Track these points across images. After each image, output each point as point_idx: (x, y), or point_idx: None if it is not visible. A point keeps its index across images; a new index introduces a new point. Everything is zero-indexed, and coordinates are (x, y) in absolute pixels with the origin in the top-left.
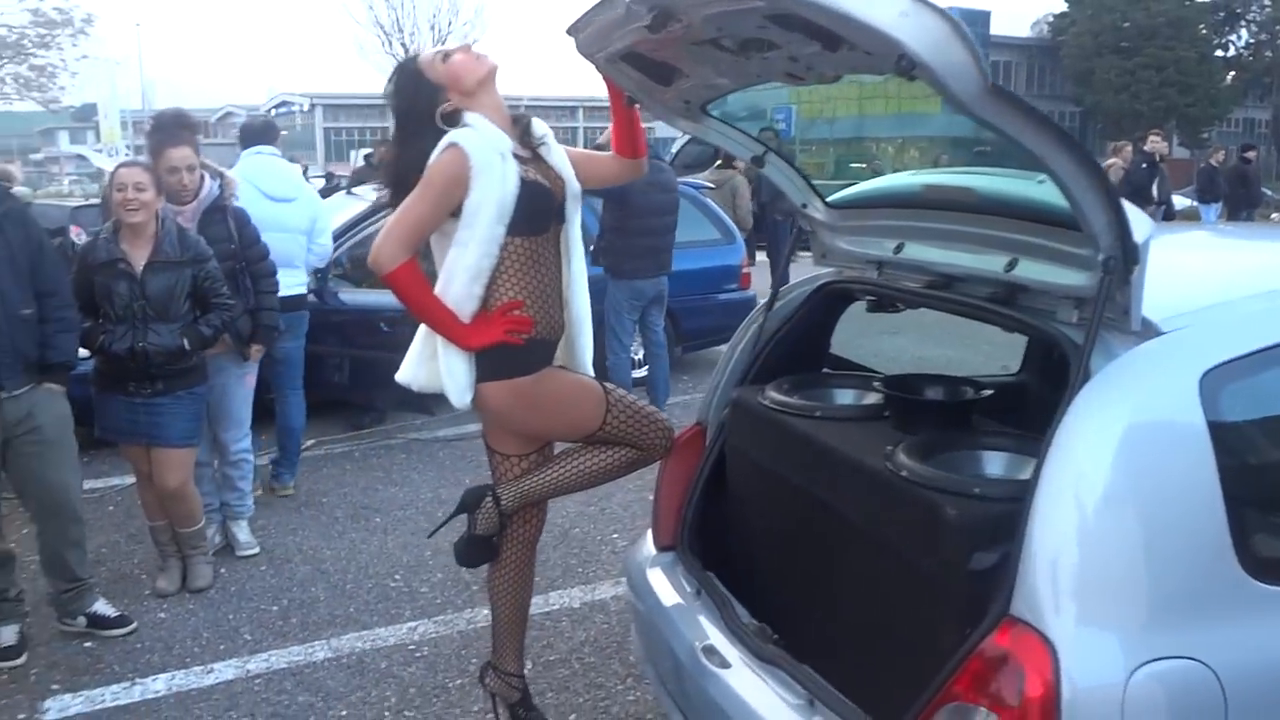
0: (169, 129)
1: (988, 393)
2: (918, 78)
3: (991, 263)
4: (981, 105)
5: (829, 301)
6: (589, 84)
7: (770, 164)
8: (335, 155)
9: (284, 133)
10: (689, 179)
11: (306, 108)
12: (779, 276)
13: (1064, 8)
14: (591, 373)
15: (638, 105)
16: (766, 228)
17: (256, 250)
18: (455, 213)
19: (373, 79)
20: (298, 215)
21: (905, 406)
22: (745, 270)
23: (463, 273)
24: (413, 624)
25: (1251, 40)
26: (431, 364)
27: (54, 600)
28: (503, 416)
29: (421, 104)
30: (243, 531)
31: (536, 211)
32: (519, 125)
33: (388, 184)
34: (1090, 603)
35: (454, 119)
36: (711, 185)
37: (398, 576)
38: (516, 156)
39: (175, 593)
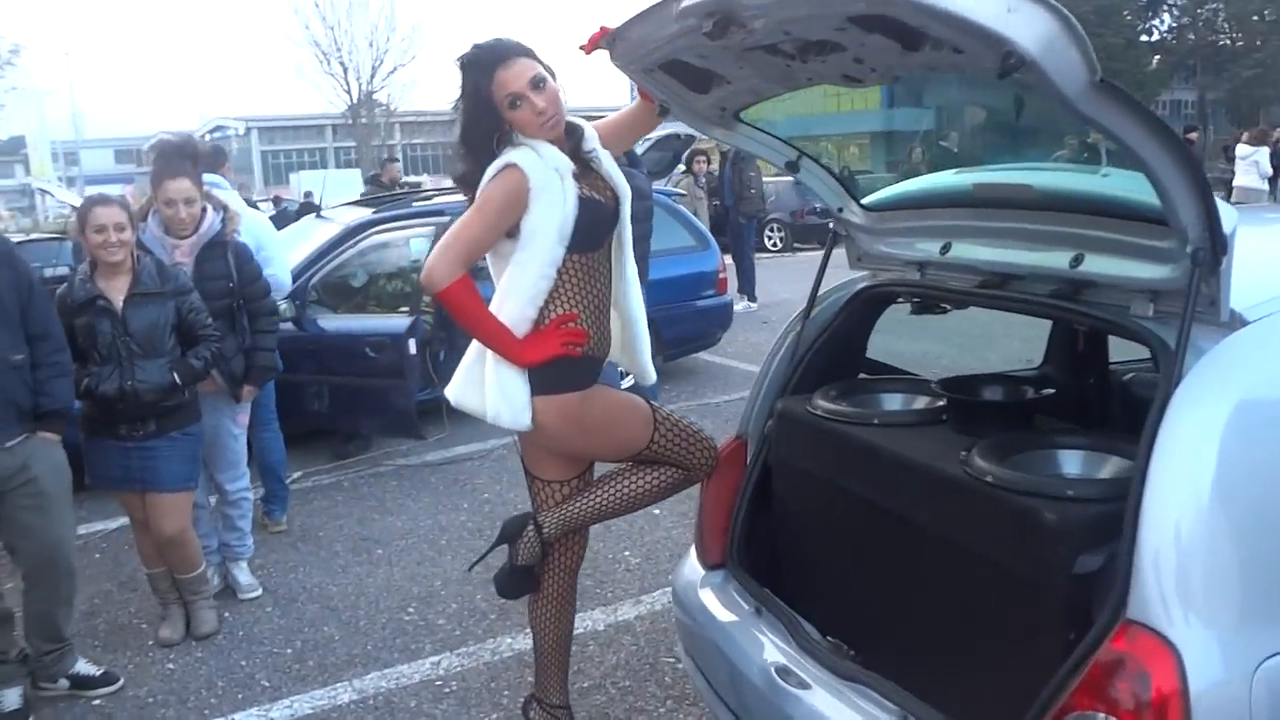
0: (170, 158)
1: (1049, 391)
2: (1021, 76)
3: (1054, 259)
4: (1087, 101)
5: (868, 306)
6: None
7: (805, 169)
8: (274, 179)
9: None
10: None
11: (242, 131)
12: (817, 281)
13: None
14: (654, 375)
15: (669, 112)
16: (730, 230)
17: (256, 288)
18: (511, 232)
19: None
20: None
21: (968, 409)
22: (721, 275)
23: (520, 293)
24: (435, 658)
25: (1174, 24)
26: (481, 389)
27: (34, 663)
28: (551, 437)
29: (486, 126)
30: (243, 574)
31: (594, 227)
32: (572, 138)
33: (468, 195)
34: (1208, 601)
35: (509, 136)
36: (683, 193)
37: (411, 610)
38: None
39: (180, 641)
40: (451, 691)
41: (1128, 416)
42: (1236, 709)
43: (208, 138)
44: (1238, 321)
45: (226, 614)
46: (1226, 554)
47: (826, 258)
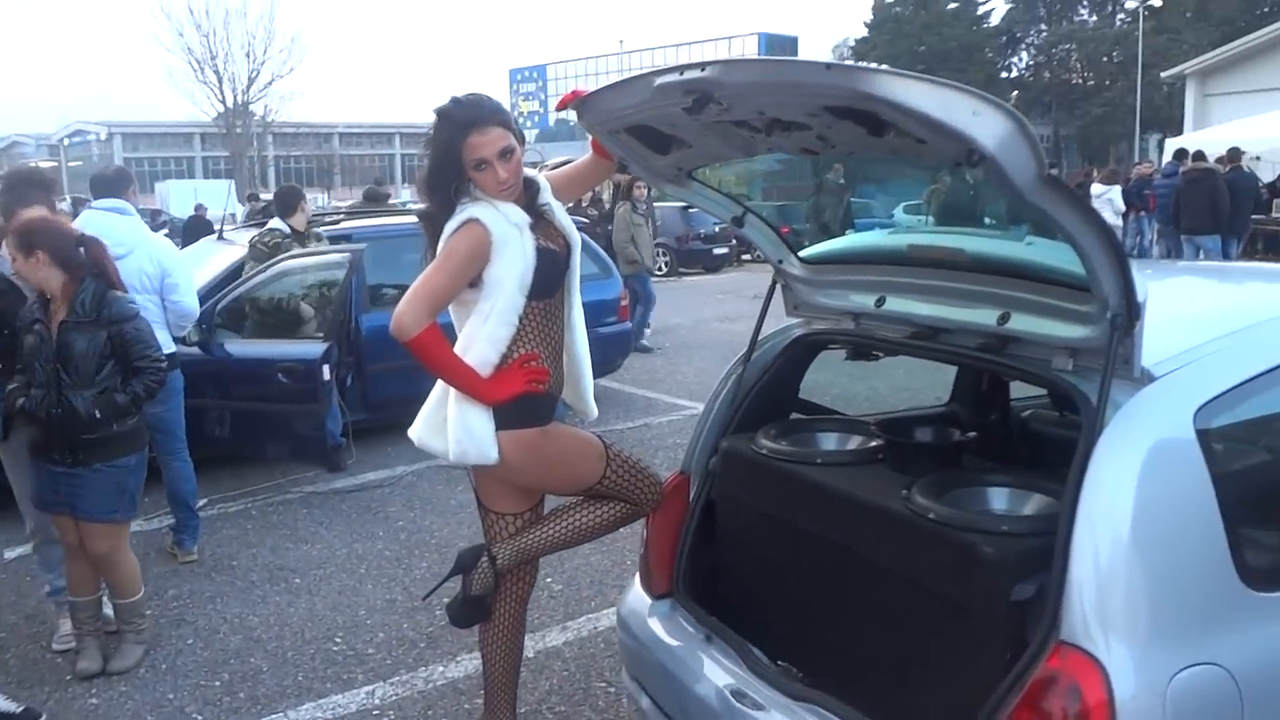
0: (18, 187)
1: (973, 435)
2: (979, 170)
3: (982, 316)
4: (1035, 191)
5: (803, 351)
6: (406, 111)
7: (749, 224)
8: (137, 188)
9: (76, 164)
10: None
11: (104, 137)
12: (757, 326)
13: (865, 33)
14: (595, 411)
15: (626, 170)
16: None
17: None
18: (473, 282)
19: (183, 107)
20: (130, 273)
21: (904, 450)
22: (623, 303)
23: (483, 339)
24: (369, 688)
25: (1031, 62)
26: (444, 432)
27: None
28: (512, 469)
29: (449, 176)
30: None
31: (550, 275)
32: (528, 192)
33: (428, 236)
34: (1130, 622)
35: (468, 188)
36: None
37: (338, 639)
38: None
39: (99, 673)
40: None
41: (1027, 448)
42: (1154, 715)
43: (66, 142)
44: (1147, 377)
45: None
46: (1143, 581)
47: (766, 306)
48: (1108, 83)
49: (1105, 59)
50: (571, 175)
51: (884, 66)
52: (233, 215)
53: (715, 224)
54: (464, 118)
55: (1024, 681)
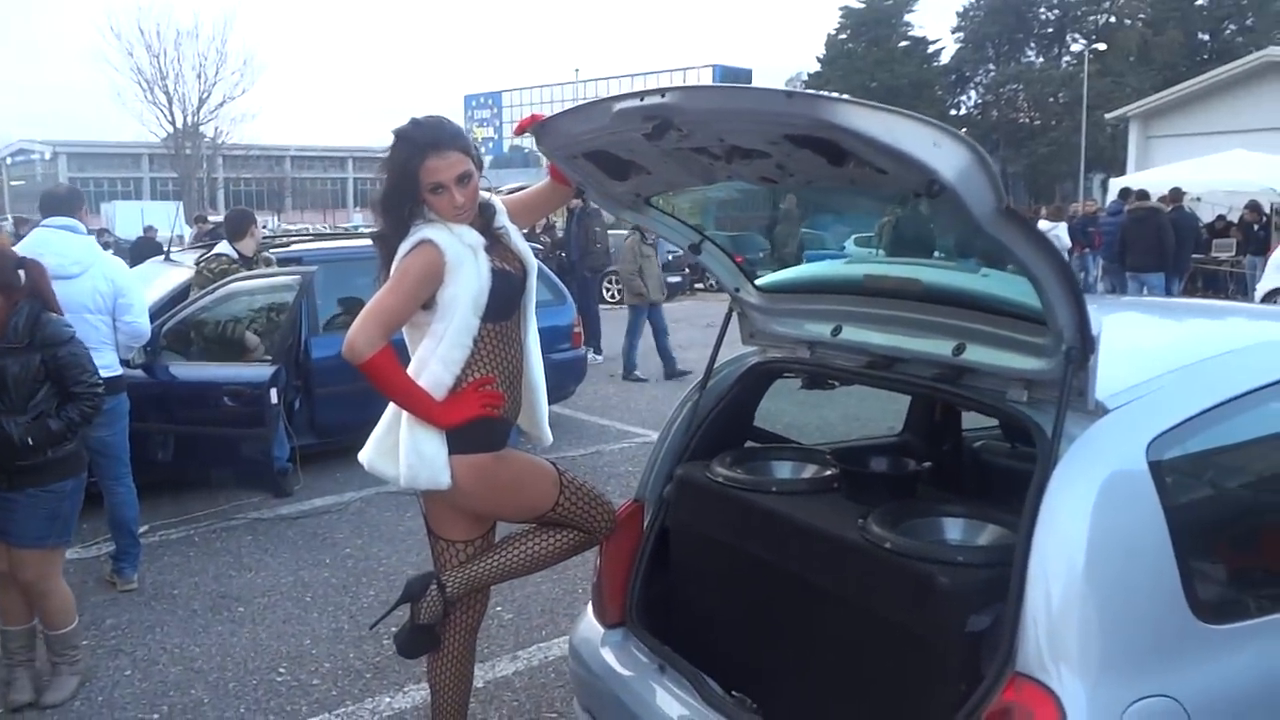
0: None
1: (928, 465)
2: (939, 201)
3: (938, 346)
4: (992, 223)
5: (759, 379)
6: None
7: (705, 251)
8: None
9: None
10: None
11: (49, 156)
12: (713, 353)
13: (818, 68)
14: (550, 437)
15: (583, 195)
16: (576, 283)
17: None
18: (427, 304)
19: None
20: (83, 292)
21: (859, 479)
22: (576, 330)
23: (437, 362)
24: None
25: (980, 101)
26: (395, 456)
27: None
28: (465, 495)
29: (404, 197)
30: None
31: (505, 297)
32: (484, 215)
33: (381, 257)
34: (1084, 655)
35: (422, 210)
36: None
37: (282, 670)
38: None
39: (30, 704)
40: None
41: (979, 479)
42: None
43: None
44: (1101, 410)
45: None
46: (1096, 613)
47: (722, 333)
48: (1054, 123)
49: (1051, 99)
50: (528, 200)
51: (845, 96)
52: (180, 237)
53: (669, 252)
54: (423, 140)
55: (979, 714)
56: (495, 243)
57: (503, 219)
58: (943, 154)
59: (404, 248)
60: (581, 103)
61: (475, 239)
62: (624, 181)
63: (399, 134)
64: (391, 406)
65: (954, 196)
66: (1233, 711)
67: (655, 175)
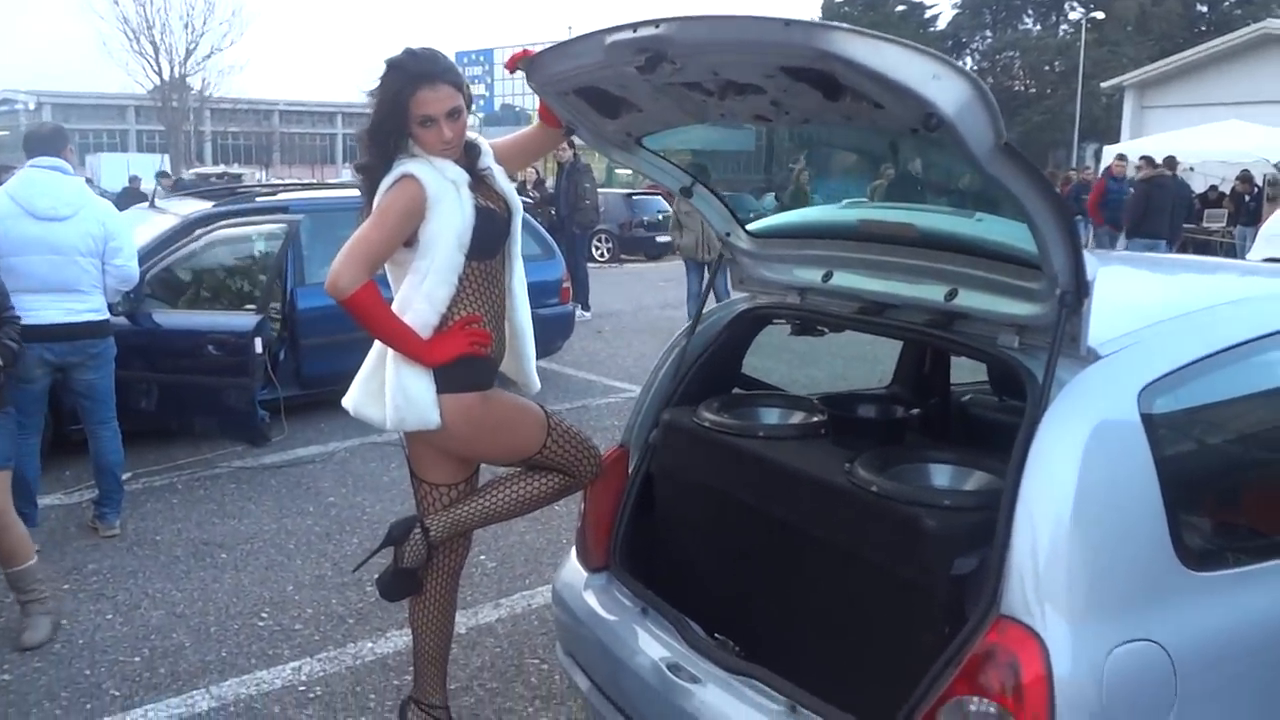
0: None
1: (916, 411)
2: (938, 135)
3: (930, 292)
4: (991, 161)
5: (747, 326)
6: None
7: (697, 194)
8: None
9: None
10: None
11: (33, 106)
12: (702, 299)
13: None
14: (538, 383)
15: (574, 131)
16: (565, 240)
17: None
18: (409, 241)
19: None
20: (75, 235)
21: (847, 424)
22: (565, 285)
23: (422, 300)
24: (295, 664)
25: (976, 67)
26: (381, 400)
27: None
28: (452, 436)
29: (391, 129)
30: None
31: (490, 235)
32: (469, 154)
33: (364, 191)
34: (1069, 598)
35: (408, 144)
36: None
37: (265, 615)
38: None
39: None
40: (316, 697)
41: (966, 431)
42: (1092, 690)
43: None
44: (1093, 356)
45: (64, 622)
46: (1083, 557)
47: (712, 279)
48: (1049, 91)
49: (1047, 68)
50: (517, 142)
51: (844, 24)
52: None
53: (659, 212)
54: (417, 70)
55: (963, 655)
56: (480, 182)
57: (488, 160)
58: (942, 87)
59: (385, 182)
60: (573, 36)
61: (458, 174)
62: (615, 120)
63: (392, 63)
64: (374, 350)
65: (952, 131)
66: (1214, 656)
67: (647, 113)
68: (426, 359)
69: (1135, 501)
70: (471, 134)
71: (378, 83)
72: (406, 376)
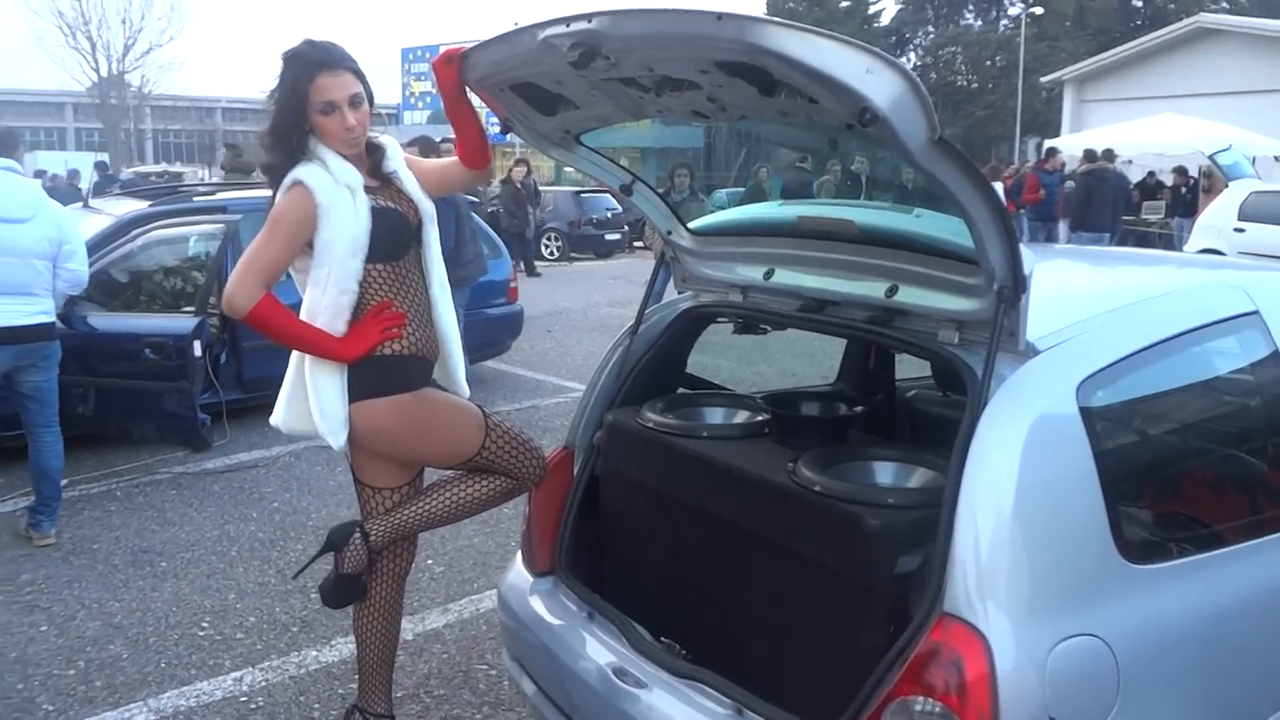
0: None
1: (860, 409)
2: (873, 130)
3: (871, 288)
4: (925, 156)
5: (691, 324)
6: None
7: (637, 192)
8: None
9: None
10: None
11: None
12: (645, 299)
13: None
14: (467, 390)
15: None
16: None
17: None
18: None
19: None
20: (33, 237)
21: (790, 423)
22: (512, 285)
23: (326, 313)
24: (237, 674)
25: (919, 63)
26: (303, 406)
27: None
28: (384, 438)
29: (291, 122)
30: None
31: (393, 236)
32: (373, 156)
33: (274, 192)
34: (1011, 595)
35: (309, 141)
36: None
37: (205, 624)
38: (366, 188)
39: None
40: (258, 707)
41: (911, 428)
42: (1034, 686)
43: None
44: (1031, 351)
45: None
46: (1024, 553)
47: (655, 277)
48: (990, 86)
49: (989, 63)
50: (446, 172)
51: (777, 19)
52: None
53: (608, 210)
54: (315, 58)
55: (907, 655)
56: (386, 183)
57: (395, 164)
58: (876, 81)
59: (279, 194)
60: (505, 30)
61: (354, 178)
62: (552, 117)
63: (289, 54)
64: (292, 367)
65: (886, 126)
66: (1157, 648)
67: (584, 110)
68: (343, 356)
69: (1075, 496)
70: (376, 134)
71: (276, 79)
72: (322, 386)
